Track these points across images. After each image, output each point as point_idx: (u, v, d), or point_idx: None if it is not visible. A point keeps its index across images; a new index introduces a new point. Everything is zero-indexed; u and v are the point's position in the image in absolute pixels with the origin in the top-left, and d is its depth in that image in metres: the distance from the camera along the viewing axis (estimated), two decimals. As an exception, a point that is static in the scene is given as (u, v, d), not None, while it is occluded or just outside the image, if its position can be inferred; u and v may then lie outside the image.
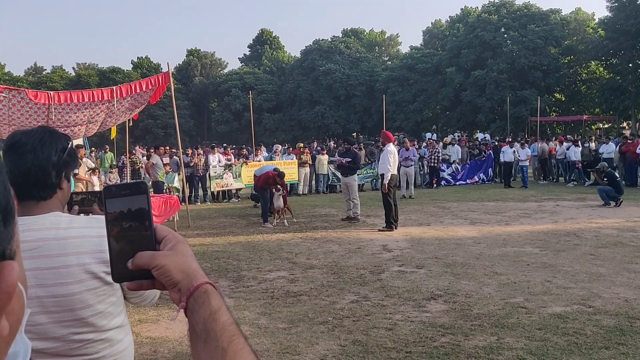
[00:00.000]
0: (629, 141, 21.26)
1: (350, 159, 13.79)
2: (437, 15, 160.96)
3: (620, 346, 5.09)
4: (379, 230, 11.99)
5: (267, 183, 13.35)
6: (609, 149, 21.20)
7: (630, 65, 46.26)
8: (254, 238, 11.54)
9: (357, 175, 15.17)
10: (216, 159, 19.33)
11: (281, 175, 13.50)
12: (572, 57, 52.20)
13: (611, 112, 47.20)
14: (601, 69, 51.35)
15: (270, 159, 19.01)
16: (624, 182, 17.76)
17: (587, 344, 5.17)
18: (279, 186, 13.35)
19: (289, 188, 20.21)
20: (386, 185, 12.16)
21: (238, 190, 20.05)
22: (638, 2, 44.58)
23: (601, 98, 48.42)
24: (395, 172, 12.78)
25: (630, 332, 5.46)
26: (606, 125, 50.61)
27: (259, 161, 19.34)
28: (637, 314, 6.02)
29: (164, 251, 0.99)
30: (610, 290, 6.99)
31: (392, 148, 12.56)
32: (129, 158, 19.52)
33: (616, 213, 13.88)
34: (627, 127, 48.43)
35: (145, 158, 19.76)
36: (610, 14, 47.00)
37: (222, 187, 19.24)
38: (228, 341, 0.91)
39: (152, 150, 17.77)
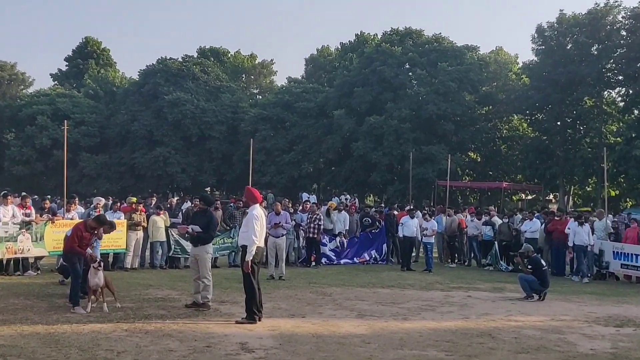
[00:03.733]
0: (556, 218, 22.71)
1: (202, 229, 13.57)
2: (325, 40, 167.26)
3: None
4: (237, 322, 11.87)
5: (81, 240, 12.98)
6: (534, 227, 22.36)
7: (559, 123, 49.79)
8: (59, 328, 11.01)
9: (212, 245, 15.02)
10: (9, 213, 18.27)
11: (101, 220, 13.15)
12: (490, 107, 55.49)
13: (536, 181, 50.42)
14: (525, 125, 55.06)
15: (88, 216, 18.28)
16: (549, 270, 18.85)
17: None
18: (94, 248, 12.97)
19: (111, 258, 19.70)
20: (249, 262, 12.08)
21: (38, 259, 19.07)
22: (568, 47, 48.59)
23: (524, 162, 51.41)
24: (262, 244, 12.73)
25: None
26: (529, 197, 53.97)
27: (72, 219, 18.49)
28: None
29: None
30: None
31: (258, 211, 12.54)
32: None
33: (540, 309, 14.69)
34: (554, 201, 51.96)
35: None
36: (536, 58, 50.82)
37: (15, 253, 18.09)
38: None
39: None
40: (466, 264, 25.10)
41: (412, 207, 26.84)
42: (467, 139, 54.20)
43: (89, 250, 13.38)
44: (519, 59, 59.41)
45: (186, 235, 18.39)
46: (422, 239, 23.56)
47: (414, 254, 24.56)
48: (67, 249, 13.37)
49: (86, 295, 13.08)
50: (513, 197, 53.89)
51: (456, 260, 25.32)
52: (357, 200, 40.22)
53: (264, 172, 56.30)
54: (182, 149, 61.42)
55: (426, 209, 30.17)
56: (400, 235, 23.13)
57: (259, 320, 12.00)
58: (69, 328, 11.12)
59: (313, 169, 59.51)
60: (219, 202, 23.69)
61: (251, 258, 12.11)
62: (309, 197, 39.81)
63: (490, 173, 55.44)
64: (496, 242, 23.64)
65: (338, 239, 23.64)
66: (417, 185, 47.39)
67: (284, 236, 19.45)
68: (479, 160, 57.06)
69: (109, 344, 10.01)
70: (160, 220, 20.68)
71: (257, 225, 12.25)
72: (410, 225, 22.77)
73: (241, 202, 21.89)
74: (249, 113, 61.13)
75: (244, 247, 12.36)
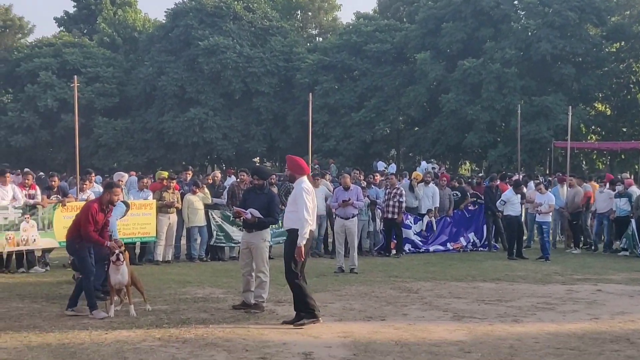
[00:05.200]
0: None
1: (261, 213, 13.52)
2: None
3: None
4: (295, 325, 11.99)
5: (96, 224, 12.99)
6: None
7: None
8: (75, 338, 11.15)
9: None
10: (8, 194, 18.58)
11: (110, 184, 13.49)
12: (622, 43, 54.28)
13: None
14: (670, 65, 53.83)
15: (109, 195, 18.38)
16: None
17: None
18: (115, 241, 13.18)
19: (138, 249, 19.99)
20: (301, 248, 12.14)
21: (47, 251, 19.39)
22: None
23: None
24: (314, 227, 12.88)
25: None
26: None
27: (86, 200, 18.19)
28: None
29: None
30: None
31: (308, 184, 12.68)
32: None
33: (693, 305, 14.66)
34: None
35: None
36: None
37: (18, 245, 18.34)
38: None
39: None
40: (594, 248, 24.80)
41: (520, 176, 26.38)
42: (593, 86, 52.67)
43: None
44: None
45: (232, 218, 18.84)
46: (534, 217, 23.36)
47: (525, 237, 24.35)
48: (81, 235, 13.10)
49: (108, 296, 13.16)
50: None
51: (581, 245, 25.02)
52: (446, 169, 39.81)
53: (327, 136, 56.30)
54: (222, 109, 61.03)
55: (540, 178, 29.69)
56: (503, 214, 23.04)
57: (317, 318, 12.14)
58: (88, 337, 11.21)
59: (390, 131, 58.96)
60: (274, 176, 23.35)
61: (304, 242, 12.20)
62: (386, 167, 39.64)
63: (624, 130, 54.28)
64: (633, 220, 23.23)
65: (426, 219, 23.57)
66: (528, 148, 46.99)
67: (355, 217, 19.35)
68: (608, 113, 55.98)
69: (137, 356, 10.12)
70: (199, 201, 20.70)
71: (308, 201, 12.32)
72: (515, 203, 22.63)
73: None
74: (306, 60, 60.34)
75: (290, 232, 12.52)
